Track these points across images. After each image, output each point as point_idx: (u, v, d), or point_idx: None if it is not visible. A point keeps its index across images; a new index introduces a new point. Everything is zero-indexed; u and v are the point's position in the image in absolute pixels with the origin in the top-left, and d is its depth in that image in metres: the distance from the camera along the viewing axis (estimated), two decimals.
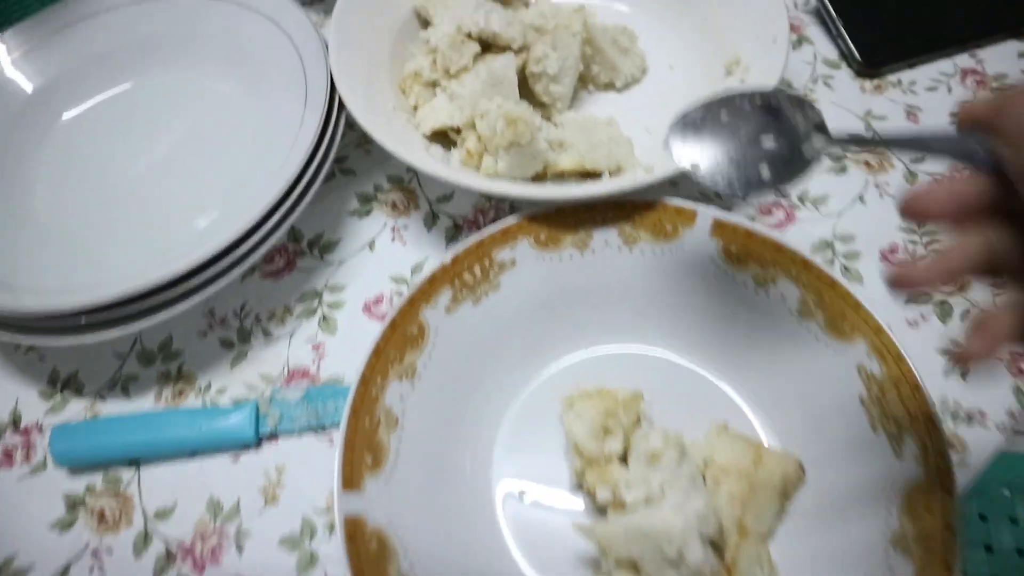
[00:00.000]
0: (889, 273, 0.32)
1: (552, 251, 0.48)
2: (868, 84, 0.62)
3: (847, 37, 0.63)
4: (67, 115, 0.60)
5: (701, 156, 0.39)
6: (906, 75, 0.63)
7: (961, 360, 0.30)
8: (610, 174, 0.51)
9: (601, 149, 0.51)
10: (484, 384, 0.47)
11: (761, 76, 0.52)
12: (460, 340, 0.47)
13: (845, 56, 0.64)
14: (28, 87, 0.59)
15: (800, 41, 0.65)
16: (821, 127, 0.38)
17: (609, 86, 0.61)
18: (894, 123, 0.59)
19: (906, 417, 0.41)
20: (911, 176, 0.57)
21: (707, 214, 0.48)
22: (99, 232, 0.54)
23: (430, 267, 0.46)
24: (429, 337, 0.46)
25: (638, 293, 0.49)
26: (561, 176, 0.51)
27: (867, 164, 0.58)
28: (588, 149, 0.51)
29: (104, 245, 0.53)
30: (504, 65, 0.53)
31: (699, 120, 0.40)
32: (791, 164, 0.38)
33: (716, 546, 0.40)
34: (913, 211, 0.31)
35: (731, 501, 0.41)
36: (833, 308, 0.45)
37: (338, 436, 0.42)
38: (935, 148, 0.33)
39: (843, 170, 0.57)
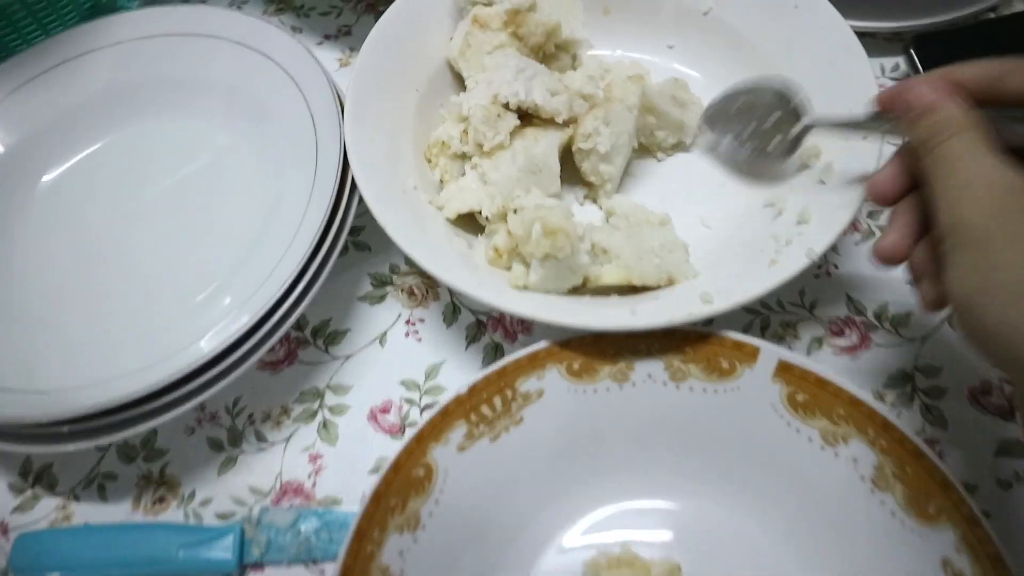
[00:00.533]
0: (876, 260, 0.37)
1: (586, 383, 0.42)
2: None
3: None
4: (47, 178, 0.54)
5: (722, 136, 0.51)
6: None
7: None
8: (660, 286, 0.44)
9: (651, 258, 0.44)
10: (497, 538, 0.40)
11: (844, 182, 0.44)
12: (472, 484, 0.40)
13: None
14: (1, 148, 0.53)
15: None
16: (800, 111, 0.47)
17: (679, 147, 0.53)
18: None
19: None
20: None
21: (771, 353, 0.41)
22: (81, 313, 0.48)
23: (445, 383, 0.40)
24: (437, 481, 0.40)
25: (683, 438, 0.42)
26: (604, 290, 0.44)
27: None
28: (635, 259, 0.43)
29: (87, 329, 0.47)
30: (546, 152, 0.46)
31: (721, 107, 0.51)
32: (785, 143, 0.48)
33: None
34: (876, 199, 0.38)
35: None
36: (916, 483, 0.38)
37: None
38: (875, 129, 0.41)
39: None
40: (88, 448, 0.42)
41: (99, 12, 0.61)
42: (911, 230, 0.36)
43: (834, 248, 0.51)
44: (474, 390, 0.41)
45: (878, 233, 0.52)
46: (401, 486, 0.39)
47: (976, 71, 0.35)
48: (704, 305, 0.40)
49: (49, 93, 0.54)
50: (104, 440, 0.42)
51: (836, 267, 0.50)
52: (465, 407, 0.40)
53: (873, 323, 0.48)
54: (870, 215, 0.52)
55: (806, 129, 0.46)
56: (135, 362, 0.43)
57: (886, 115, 0.39)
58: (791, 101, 0.47)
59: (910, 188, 0.37)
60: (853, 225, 0.51)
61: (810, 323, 0.48)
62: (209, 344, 0.42)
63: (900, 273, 0.50)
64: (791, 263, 0.41)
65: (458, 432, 0.40)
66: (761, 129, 0.49)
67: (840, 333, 0.48)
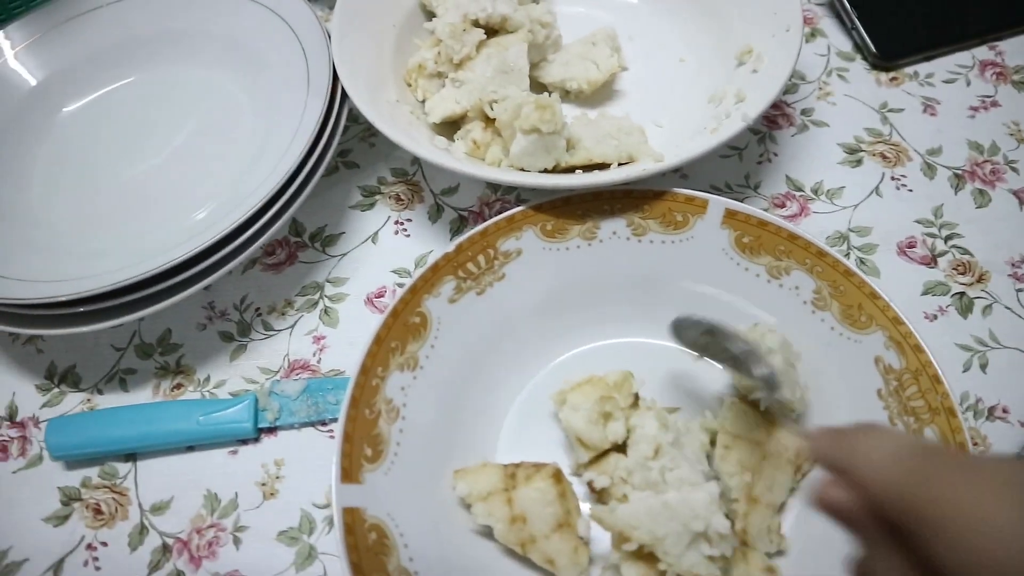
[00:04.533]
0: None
1: (559, 241, 0.47)
2: (884, 77, 0.61)
3: (862, 29, 0.62)
4: (67, 109, 0.59)
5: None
6: (923, 67, 0.61)
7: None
8: (620, 164, 0.50)
9: (610, 141, 0.50)
10: (488, 376, 0.45)
11: (774, 66, 0.51)
12: (463, 331, 0.45)
13: (860, 48, 0.63)
14: (31, 80, 0.59)
15: (814, 34, 0.64)
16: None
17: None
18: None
19: (926, 411, 0.40)
20: (928, 169, 0.55)
21: (719, 203, 0.46)
22: (98, 225, 0.53)
23: (434, 257, 0.45)
24: (432, 327, 0.45)
25: (645, 285, 0.47)
26: (570, 169, 0.50)
27: (883, 156, 0.56)
28: (596, 142, 0.49)
29: (102, 238, 0.52)
30: (516, 54, 0.52)
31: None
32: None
33: (727, 516, 0.38)
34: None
35: (741, 469, 0.40)
36: (849, 298, 0.44)
37: (337, 427, 0.40)
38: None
39: (859, 163, 0.56)
40: (105, 328, 0.45)
41: None
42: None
43: (773, 139, 0.57)
44: (460, 248, 0.46)
45: (810, 127, 0.58)
46: (400, 331, 0.44)
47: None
48: (655, 163, 0.46)
49: (73, 39, 0.60)
50: (119, 320, 0.45)
51: (776, 155, 0.56)
52: (453, 264, 0.46)
53: (810, 196, 0.54)
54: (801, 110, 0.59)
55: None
56: (145, 255, 0.47)
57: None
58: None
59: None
60: (788, 120, 0.58)
61: (755, 199, 0.54)
62: (212, 232, 0.46)
63: (832, 155, 0.57)
64: (730, 128, 0.47)
65: (448, 286, 0.45)
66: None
67: (782, 205, 0.54)
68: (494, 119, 0.50)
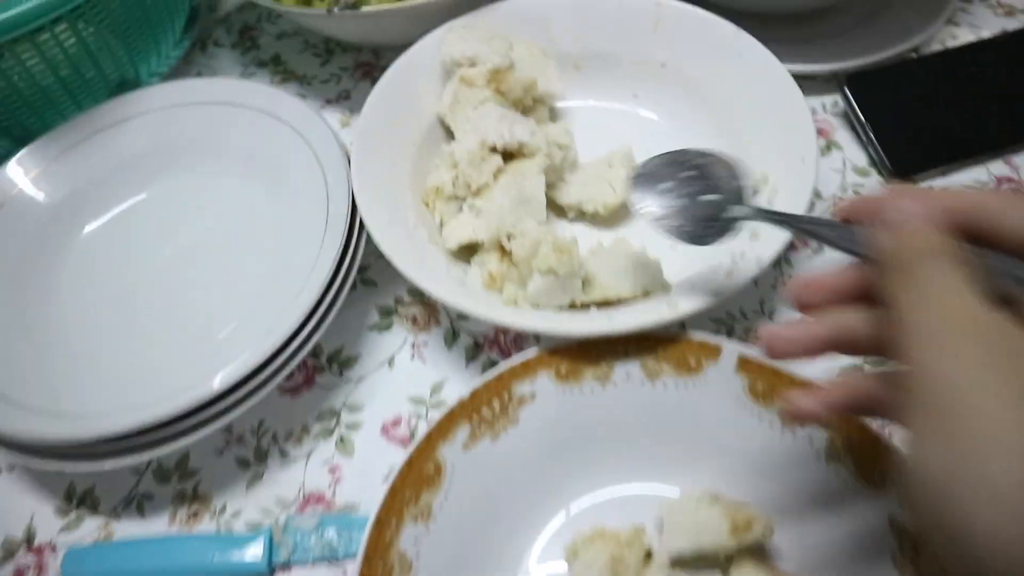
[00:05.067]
0: (761, 344, 0.36)
1: (572, 384, 0.47)
2: None
3: (876, 143, 0.62)
4: (88, 228, 0.60)
5: (658, 206, 0.45)
6: (938, 183, 0.61)
7: (788, 414, 0.35)
8: (637, 298, 0.50)
9: (626, 276, 0.50)
10: (501, 526, 0.46)
11: (790, 196, 0.51)
12: (477, 478, 0.46)
13: (875, 163, 0.63)
14: (48, 203, 0.60)
15: (829, 147, 0.64)
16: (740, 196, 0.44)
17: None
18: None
19: None
20: None
21: (732, 350, 0.47)
22: (119, 348, 0.53)
23: (449, 398, 0.46)
24: (446, 476, 0.45)
25: (659, 429, 0.47)
26: (585, 305, 0.50)
27: None
28: (612, 278, 0.50)
29: (124, 361, 0.53)
30: (534, 185, 0.53)
31: (655, 172, 0.46)
32: (721, 223, 0.44)
33: None
34: (801, 302, 0.36)
35: None
36: (864, 453, 0.43)
37: None
38: (822, 235, 0.37)
39: None
40: (125, 466, 0.47)
41: (125, 88, 0.69)
42: (823, 343, 0.35)
43: (788, 262, 0.57)
44: (475, 394, 0.46)
45: (826, 249, 0.58)
46: (415, 480, 0.44)
47: (969, 201, 0.30)
48: (671, 310, 0.46)
49: (89, 157, 0.61)
50: (139, 457, 0.47)
51: (791, 278, 0.56)
52: (468, 410, 0.46)
53: None
54: None
55: (744, 218, 0.43)
56: (166, 389, 0.47)
57: (848, 225, 0.35)
58: (736, 183, 0.44)
59: (836, 301, 0.34)
60: (803, 241, 0.58)
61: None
62: (236, 370, 0.47)
63: None
64: (744, 273, 0.48)
65: (463, 432, 0.46)
66: (695, 202, 0.44)
67: None
68: (510, 251, 0.51)
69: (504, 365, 0.47)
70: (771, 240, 0.49)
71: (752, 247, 0.50)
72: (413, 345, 0.56)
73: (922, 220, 0.29)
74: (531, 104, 0.62)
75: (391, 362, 0.55)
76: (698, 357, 0.47)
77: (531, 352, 0.47)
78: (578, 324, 0.47)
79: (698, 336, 0.47)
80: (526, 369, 0.47)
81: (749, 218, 0.43)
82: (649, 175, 0.46)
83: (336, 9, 0.62)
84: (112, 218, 0.61)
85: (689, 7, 0.62)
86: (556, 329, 0.47)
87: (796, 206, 0.50)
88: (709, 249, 0.51)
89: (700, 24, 0.62)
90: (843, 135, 0.65)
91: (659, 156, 0.46)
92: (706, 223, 0.43)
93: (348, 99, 0.72)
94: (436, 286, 0.48)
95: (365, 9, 0.62)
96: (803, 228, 0.40)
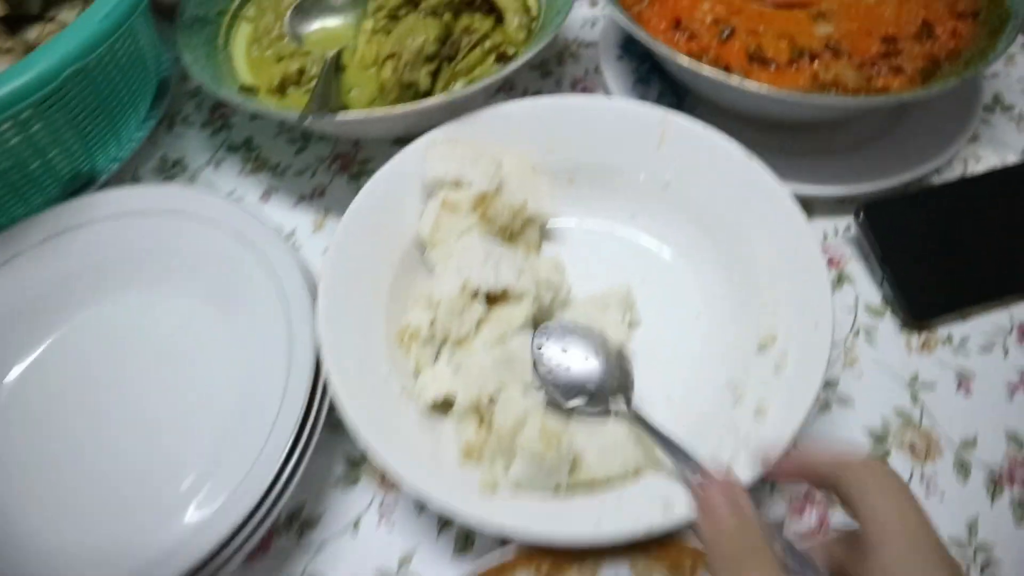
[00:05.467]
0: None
1: None
2: (915, 340, 0.56)
3: (893, 283, 0.57)
4: (7, 379, 0.54)
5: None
6: (957, 330, 0.57)
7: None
8: (627, 477, 0.46)
9: (616, 453, 0.45)
10: None
11: (800, 366, 0.47)
12: None
13: (889, 302, 0.58)
14: None
15: (840, 280, 0.60)
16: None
17: None
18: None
19: None
20: (961, 468, 0.51)
21: None
22: (67, 513, 0.48)
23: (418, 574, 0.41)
24: None
25: None
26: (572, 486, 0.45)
27: (912, 448, 0.52)
28: (600, 457, 0.45)
29: (74, 528, 0.48)
30: (521, 345, 0.48)
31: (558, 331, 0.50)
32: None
33: None
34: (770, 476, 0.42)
35: None
36: None
37: None
38: (672, 457, 0.44)
39: (886, 454, 0.51)
40: None
41: (78, 180, 0.63)
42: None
43: None
44: None
45: (833, 407, 0.54)
46: None
47: (830, 468, 0.37)
48: (665, 514, 0.42)
49: (16, 280, 0.55)
50: None
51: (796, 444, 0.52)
52: None
53: (835, 503, 0.50)
54: None
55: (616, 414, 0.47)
56: (127, 556, 0.44)
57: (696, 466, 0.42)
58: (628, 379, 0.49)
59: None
60: None
61: (773, 503, 0.50)
62: (192, 551, 0.42)
63: (857, 444, 0.52)
64: (746, 471, 0.43)
65: None
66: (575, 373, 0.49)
67: (801, 511, 0.49)
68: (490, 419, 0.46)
69: (481, 565, 0.42)
70: (776, 425, 0.45)
71: (757, 428, 0.45)
72: (381, 504, 0.51)
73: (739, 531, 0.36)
74: (519, 228, 0.57)
75: (356, 524, 0.50)
76: (695, 560, 0.42)
77: (508, 553, 0.42)
78: (561, 526, 0.42)
79: (694, 542, 0.43)
80: (503, 572, 0.42)
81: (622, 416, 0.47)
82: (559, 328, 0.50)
83: (311, 117, 0.56)
84: (34, 361, 0.54)
85: (699, 126, 0.57)
86: (535, 533, 0.42)
87: (803, 401, 0.45)
88: (709, 401, 0.48)
89: (709, 146, 0.56)
90: (855, 267, 0.60)
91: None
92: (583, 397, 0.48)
93: (323, 196, 0.66)
94: (407, 474, 0.43)
95: (341, 117, 0.57)
96: (661, 440, 0.44)
